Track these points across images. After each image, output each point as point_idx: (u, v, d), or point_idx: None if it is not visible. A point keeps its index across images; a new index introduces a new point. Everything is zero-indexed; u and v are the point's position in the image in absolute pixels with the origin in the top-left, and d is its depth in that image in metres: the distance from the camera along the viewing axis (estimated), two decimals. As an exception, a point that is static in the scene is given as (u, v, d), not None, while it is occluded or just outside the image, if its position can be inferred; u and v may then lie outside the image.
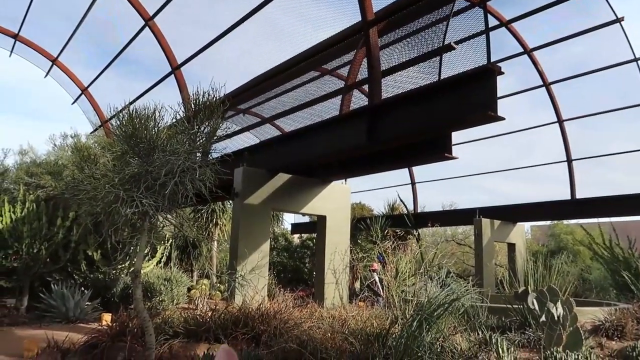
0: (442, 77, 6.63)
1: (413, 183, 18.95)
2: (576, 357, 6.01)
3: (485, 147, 16.35)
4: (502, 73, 5.75)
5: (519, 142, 16.23)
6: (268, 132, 13.57)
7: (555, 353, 6.13)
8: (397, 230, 19.19)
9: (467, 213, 15.71)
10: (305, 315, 8.00)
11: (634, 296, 10.97)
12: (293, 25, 10.67)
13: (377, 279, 12.25)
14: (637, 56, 12.65)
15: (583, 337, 6.40)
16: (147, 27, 12.56)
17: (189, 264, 15.58)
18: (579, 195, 14.21)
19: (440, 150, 7.26)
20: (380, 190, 21.42)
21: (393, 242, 17.38)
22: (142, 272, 6.23)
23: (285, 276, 21.53)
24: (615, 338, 7.77)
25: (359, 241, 18.77)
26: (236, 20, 9.93)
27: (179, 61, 12.77)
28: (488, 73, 5.66)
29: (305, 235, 23.61)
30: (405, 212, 18.37)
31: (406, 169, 18.88)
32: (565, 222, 25.44)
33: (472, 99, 5.84)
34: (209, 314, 7.21)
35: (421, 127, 6.49)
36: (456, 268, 23.51)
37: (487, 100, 5.64)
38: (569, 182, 14.40)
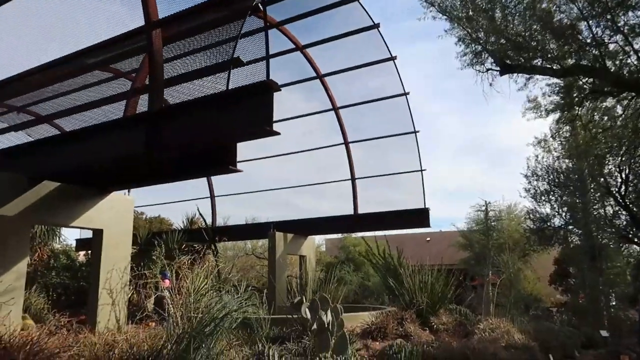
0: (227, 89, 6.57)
1: (212, 196, 18.69)
2: (346, 359, 6.45)
3: (283, 162, 17.05)
4: (279, 89, 5.93)
5: (313, 160, 17.29)
6: (47, 134, 11.85)
7: (323, 359, 6.49)
8: (195, 245, 18.67)
9: (264, 227, 16.07)
10: (70, 342, 7.03)
11: (398, 300, 12.48)
12: (83, 18, 9.56)
13: (167, 296, 11.60)
14: (406, 91, 14.66)
15: (349, 341, 6.92)
16: None
17: None
18: (361, 210, 15.71)
19: (225, 163, 7.18)
20: (181, 203, 20.56)
21: (191, 257, 16.73)
22: None
23: (67, 299, 19.02)
24: (379, 339, 8.65)
25: (153, 257, 17.63)
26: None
27: None
28: (265, 87, 5.78)
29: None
30: (204, 225, 17.98)
31: (206, 182, 18.56)
32: (353, 234, 28.07)
33: (252, 111, 5.90)
34: None
35: (203, 136, 6.32)
36: (256, 282, 23.90)
37: (265, 114, 5.75)
38: (352, 198, 15.85)
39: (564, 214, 17.05)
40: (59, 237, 17.10)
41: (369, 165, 16.33)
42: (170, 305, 10.94)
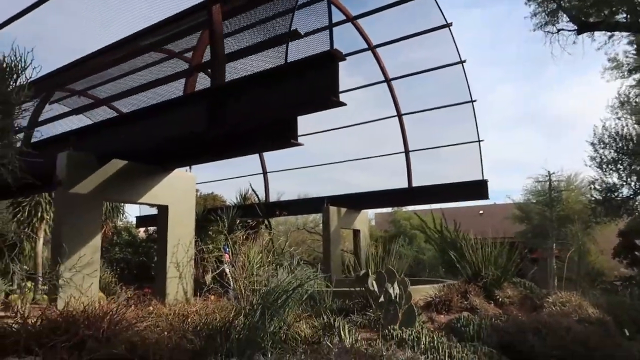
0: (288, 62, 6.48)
1: (265, 172, 18.87)
2: (410, 332, 6.38)
3: (334, 138, 16.94)
4: (344, 59, 5.78)
5: (365, 134, 17.05)
6: (105, 116, 12.26)
7: (392, 331, 6.45)
8: (249, 220, 19.02)
9: (316, 202, 16.09)
10: (143, 314, 7.32)
11: (459, 273, 12.25)
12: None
13: (227, 270, 11.90)
14: (462, 59, 14.11)
15: (416, 314, 6.85)
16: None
17: (5, 265, 13.41)
18: (415, 184, 15.43)
19: (286, 137, 7.14)
20: (233, 180, 20.93)
21: (245, 232, 17.07)
22: None
23: (129, 273, 19.97)
24: (444, 312, 8.52)
25: (210, 232, 18.12)
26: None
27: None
28: (330, 57, 5.64)
29: (152, 229, 22.14)
30: (257, 201, 18.25)
31: (258, 159, 18.73)
32: (404, 209, 27.80)
33: (315, 83, 5.79)
34: (20, 321, 6.14)
35: (266, 110, 6.27)
36: (307, 255, 24.19)
37: (330, 85, 5.62)
38: (406, 171, 15.57)
39: (633, 183, 16.10)
40: (122, 214, 17.81)
41: (423, 138, 15.94)
42: (232, 279, 11.26)
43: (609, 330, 7.85)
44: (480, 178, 14.42)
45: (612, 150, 16.04)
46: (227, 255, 12.23)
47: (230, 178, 20.15)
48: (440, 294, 8.84)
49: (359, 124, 16.23)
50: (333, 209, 15.20)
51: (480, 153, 14.62)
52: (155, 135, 7.13)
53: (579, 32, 8.80)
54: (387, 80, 15.18)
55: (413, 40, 13.89)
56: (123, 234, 21.20)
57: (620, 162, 16.21)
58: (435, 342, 5.83)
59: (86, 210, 7.80)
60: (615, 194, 16.58)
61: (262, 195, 18.49)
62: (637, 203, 16.71)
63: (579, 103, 49.71)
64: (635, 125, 15.70)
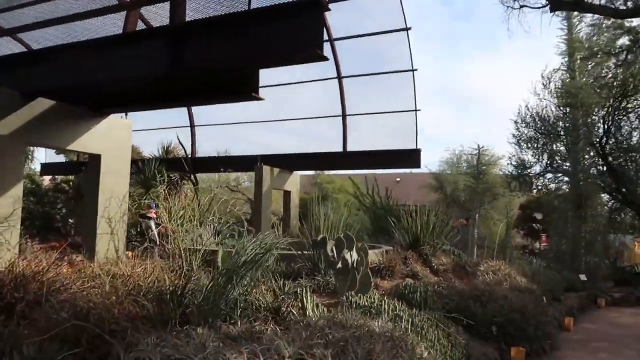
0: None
1: (192, 126, 17.81)
2: (373, 300, 6.38)
3: (270, 95, 16.27)
4: (328, 9, 5.36)
5: (301, 97, 16.60)
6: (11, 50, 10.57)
7: (350, 297, 6.39)
8: (172, 175, 17.96)
9: (248, 160, 15.50)
10: (73, 273, 6.57)
11: (390, 239, 12.56)
12: None
13: (153, 227, 11.17)
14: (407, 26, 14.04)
15: (371, 281, 6.85)
16: None
17: None
18: (350, 149, 15.41)
19: (248, 89, 6.63)
20: (151, 131, 19.52)
21: (167, 187, 16.06)
22: None
23: (32, 224, 18.17)
24: (387, 278, 8.65)
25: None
26: None
27: None
28: (314, 3, 5.15)
29: (59, 178, 20.23)
30: (184, 155, 17.27)
31: (185, 111, 17.58)
32: (327, 172, 28.05)
33: (297, 32, 5.31)
34: None
35: (236, 57, 5.68)
36: (230, 216, 23.54)
37: (313, 36, 5.19)
38: (342, 135, 15.47)
39: (543, 161, 17.46)
40: (30, 161, 16.00)
41: (360, 103, 15.86)
42: (166, 237, 10.57)
43: (537, 298, 8.48)
44: (414, 147, 14.72)
45: (531, 130, 17.21)
46: (152, 212, 11.44)
47: (152, 129, 18.78)
48: (384, 260, 8.95)
49: (294, 83, 15.75)
50: (266, 168, 14.78)
51: (417, 122, 14.88)
52: (101, 75, 6.23)
53: (552, 9, 9.03)
54: (331, 40, 14.75)
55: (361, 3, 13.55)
56: (25, 182, 19.12)
57: (536, 140, 17.49)
58: (398, 310, 5.85)
59: (6, 154, 6.73)
60: (529, 170, 17.95)
61: (188, 150, 17.51)
62: (545, 180, 18.20)
63: (488, 82, 52.80)
64: (553, 108, 16.89)
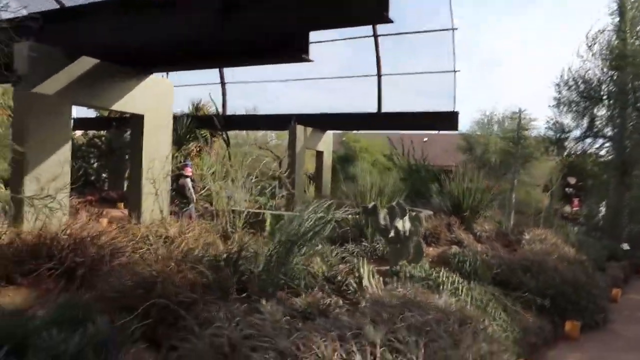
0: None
1: (223, 83, 17.44)
2: (420, 267, 6.27)
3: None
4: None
5: (336, 56, 16.11)
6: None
7: (403, 267, 6.29)
8: (203, 132, 17.82)
9: (283, 119, 15.21)
10: (123, 235, 6.56)
11: (427, 202, 12.33)
12: None
13: (190, 185, 11.12)
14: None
15: (423, 250, 6.71)
16: None
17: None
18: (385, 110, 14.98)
19: (298, 50, 6.33)
20: (180, 88, 19.26)
21: (198, 145, 15.85)
22: None
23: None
24: (433, 244, 8.50)
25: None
26: None
27: None
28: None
29: (91, 133, 20.36)
30: (214, 113, 17.05)
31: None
32: (355, 132, 27.61)
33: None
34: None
35: (294, 18, 5.37)
36: (262, 174, 23.51)
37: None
38: (377, 95, 15.01)
39: (583, 125, 16.79)
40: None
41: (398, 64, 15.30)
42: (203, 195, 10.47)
43: (587, 269, 8.28)
44: (452, 109, 14.23)
45: (573, 93, 16.47)
46: (188, 169, 11.36)
47: (182, 85, 18.50)
48: (429, 226, 8.77)
49: (329, 40, 15.17)
50: (300, 128, 14.54)
51: (455, 84, 14.31)
52: (148, 34, 5.97)
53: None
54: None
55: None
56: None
57: (577, 104, 16.76)
58: (456, 283, 5.73)
59: (53, 114, 6.63)
60: (567, 134, 17.33)
61: (219, 108, 17.26)
62: (585, 145, 17.57)
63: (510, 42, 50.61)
64: (597, 71, 16.07)
